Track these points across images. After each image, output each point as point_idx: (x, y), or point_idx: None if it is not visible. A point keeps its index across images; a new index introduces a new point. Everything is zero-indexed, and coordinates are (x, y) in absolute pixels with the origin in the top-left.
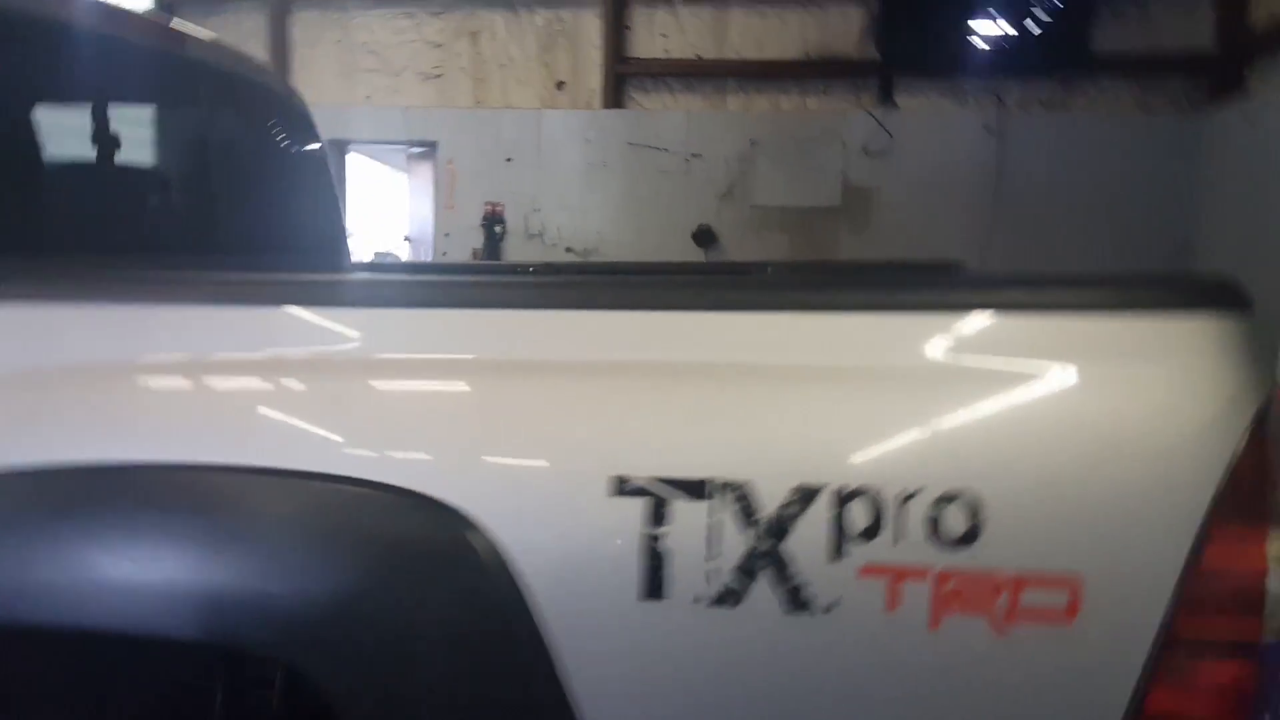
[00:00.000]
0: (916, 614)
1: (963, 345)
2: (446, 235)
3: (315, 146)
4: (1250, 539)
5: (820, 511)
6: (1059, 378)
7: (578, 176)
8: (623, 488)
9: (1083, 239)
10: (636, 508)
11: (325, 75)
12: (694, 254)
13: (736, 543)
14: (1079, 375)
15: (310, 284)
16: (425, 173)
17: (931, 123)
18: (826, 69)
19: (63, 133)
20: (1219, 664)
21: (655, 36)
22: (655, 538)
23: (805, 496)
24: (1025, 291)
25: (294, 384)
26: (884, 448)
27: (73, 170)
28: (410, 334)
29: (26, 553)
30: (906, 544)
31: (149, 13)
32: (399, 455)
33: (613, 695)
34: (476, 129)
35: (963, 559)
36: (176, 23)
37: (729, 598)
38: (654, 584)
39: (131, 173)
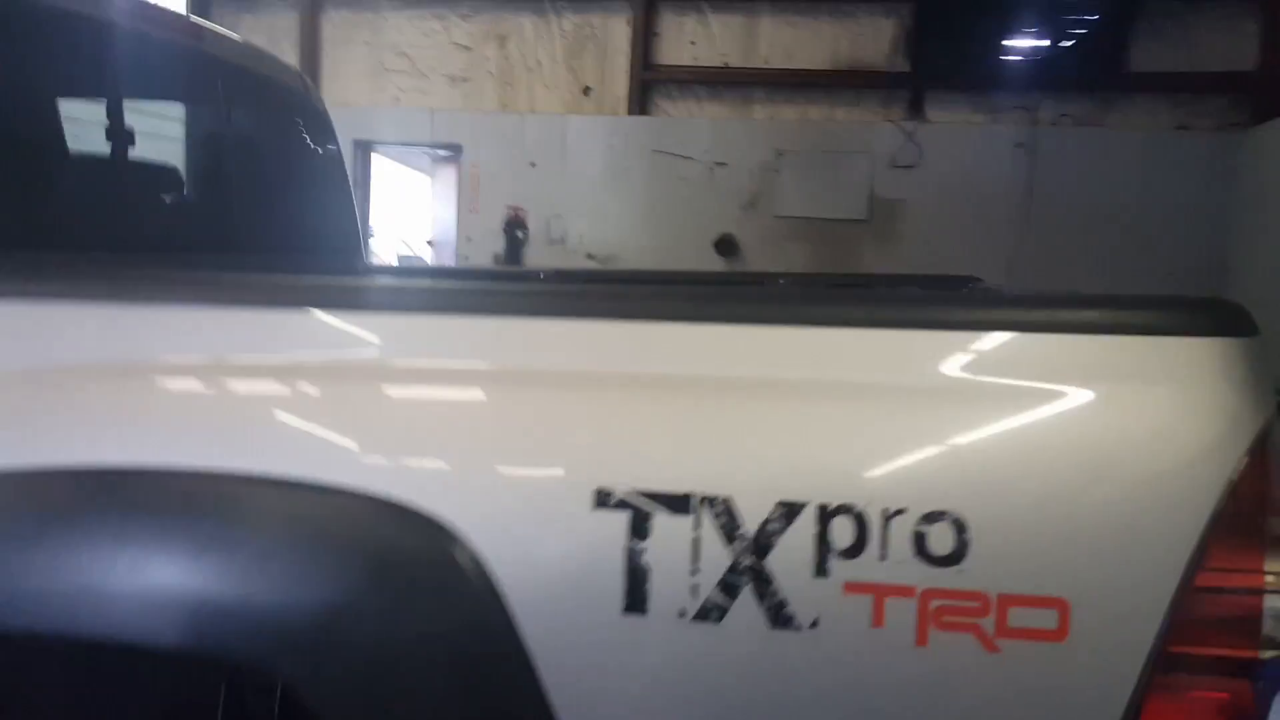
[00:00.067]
0: (903, 631)
1: (952, 363)
2: (469, 239)
3: (332, 146)
4: (1247, 559)
5: (804, 528)
6: (1054, 398)
7: (601, 183)
8: (606, 501)
9: (1113, 259)
10: (619, 521)
11: (354, 76)
12: (715, 263)
13: (719, 558)
14: (1075, 396)
15: (287, 289)
16: (449, 176)
17: (961, 137)
18: (856, 80)
19: (78, 127)
20: (1215, 683)
21: (684, 44)
22: (638, 552)
23: (788, 512)
24: (1020, 310)
25: (277, 392)
26: (868, 465)
27: (86, 165)
28: (392, 342)
29: (23, 557)
30: (891, 562)
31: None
32: (382, 466)
33: (596, 710)
34: (501, 133)
35: (948, 579)
36: (195, 17)
37: (712, 613)
38: (637, 598)
39: (146, 168)
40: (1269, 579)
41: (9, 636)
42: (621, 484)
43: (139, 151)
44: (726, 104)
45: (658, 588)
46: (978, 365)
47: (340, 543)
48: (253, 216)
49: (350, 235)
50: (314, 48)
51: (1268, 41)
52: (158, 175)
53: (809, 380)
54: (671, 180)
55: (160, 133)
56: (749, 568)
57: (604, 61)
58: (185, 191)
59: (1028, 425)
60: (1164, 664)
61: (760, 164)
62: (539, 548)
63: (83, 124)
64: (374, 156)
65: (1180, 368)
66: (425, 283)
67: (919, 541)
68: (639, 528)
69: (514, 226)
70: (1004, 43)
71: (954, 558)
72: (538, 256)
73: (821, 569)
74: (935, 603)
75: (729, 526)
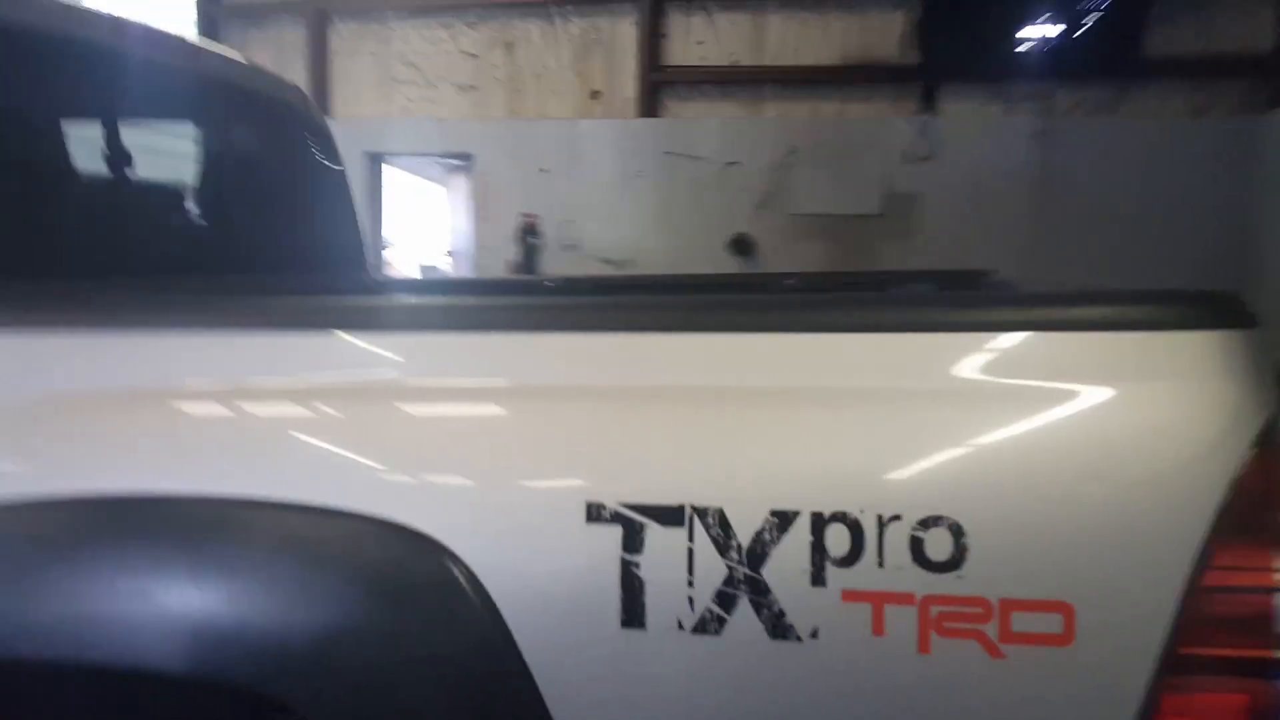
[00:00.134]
0: (904, 639)
1: (942, 365)
2: (483, 248)
3: (334, 162)
4: (1256, 556)
5: (798, 536)
6: (1049, 397)
7: (613, 186)
8: (598, 515)
9: (1133, 248)
10: (613, 535)
11: (363, 87)
12: (730, 263)
13: (715, 569)
14: (1071, 395)
15: (272, 310)
16: (462, 185)
17: (975, 128)
18: (867, 74)
19: (75, 149)
20: (1230, 684)
21: (691, 44)
22: (633, 565)
23: (781, 521)
24: (1010, 309)
25: (269, 417)
26: (861, 471)
27: (85, 188)
28: (381, 362)
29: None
30: (889, 569)
31: (190, 26)
32: (374, 487)
33: None
34: (511, 140)
35: (948, 584)
36: (191, 37)
37: (710, 625)
38: (634, 612)
39: (145, 190)
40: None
41: (21, 663)
42: (614, 497)
43: (138, 173)
44: (737, 103)
45: (654, 601)
46: (968, 367)
47: (335, 564)
48: (254, 235)
49: (354, 250)
50: (322, 61)
51: None
52: (156, 197)
53: (798, 387)
54: (684, 181)
55: (159, 154)
56: (745, 578)
57: (612, 64)
58: (185, 212)
59: (1023, 426)
60: (1175, 666)
61: (773, 162)
62: (534, 564)
63: (81, 147)
64: (387, 168)
65: (1180, 363)
66: (409, 300)
67: (916, 547)
68: (632, 541)
69: (528, 233)
70: (1016, 31)
71: (953, 563)
72: (552, 263)
73: (819, 578)
74: (936, 609)
75: (722, 537)
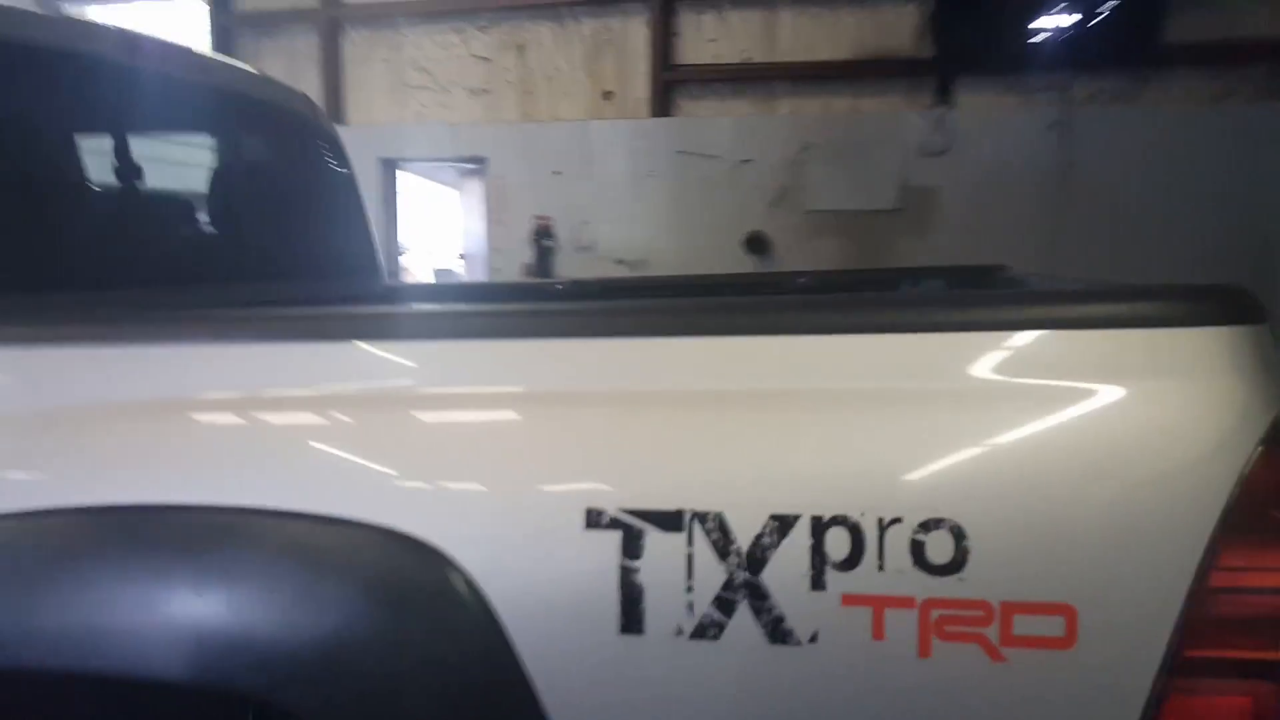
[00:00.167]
0: (904, 643)
1: (946, 365)
2: (498, 251)
3: (343, 169)
4: (1263, 556)
5: (798, 540)
6: (1052, 396)
7: (626, 187)
8: (597, 521)
9: (1156, 240)
10: (612, 541)
11: (376, 93)
12: (746, 262)
13: (714, 574)
14: (1075, 394)
15: (261, 320)
16: (476, 189)
17: (992, 120)
18: (881, 68)
19: (88, 162)
20: (1236, 686)
21: (703, 42)
22: (632, 571)
23: (781, 525)
24: (1011, 308)
25: (267, 426)
26: (861, 474)
27: (95, 200)
28: (378, 368)
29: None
30: (889, 573)
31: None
32: (374, 494)
33: None
34: (524, 143)
35: (949, 588)
36: (199, 48)
37: (709, 630)
38: (633, 618)
39: (155, 201)
40: None
41: (24, 673)
42: (612, 503)
43: (149, 185)
44: (749, 100)
45: (653, 606)
46: (968, 366)
47: (336, 572)
48: (265, 245)
49: (366, 257)
50: (336, 69)
51: None
52: (166, 208)
53: (797, 390)
54: (697, 180)
55: (170, 166)
56: (745, 583)
57: (624, 65)
58: (195, 223)
59: (1024, 426)
60: (1180, 668)
61: (787, 159)
62: (533, 571)
63: (93, 160)
64: (400, 173)
65: (1186, 360)
66: (407, 308)
67: (917, 550)
68: (631, 546)
69: (542, 236)
70: (1032, 21)
71: (954, 566)
72: (567, 264)
73: (818, 582)
74: (937, 613)
75: (722, 542)
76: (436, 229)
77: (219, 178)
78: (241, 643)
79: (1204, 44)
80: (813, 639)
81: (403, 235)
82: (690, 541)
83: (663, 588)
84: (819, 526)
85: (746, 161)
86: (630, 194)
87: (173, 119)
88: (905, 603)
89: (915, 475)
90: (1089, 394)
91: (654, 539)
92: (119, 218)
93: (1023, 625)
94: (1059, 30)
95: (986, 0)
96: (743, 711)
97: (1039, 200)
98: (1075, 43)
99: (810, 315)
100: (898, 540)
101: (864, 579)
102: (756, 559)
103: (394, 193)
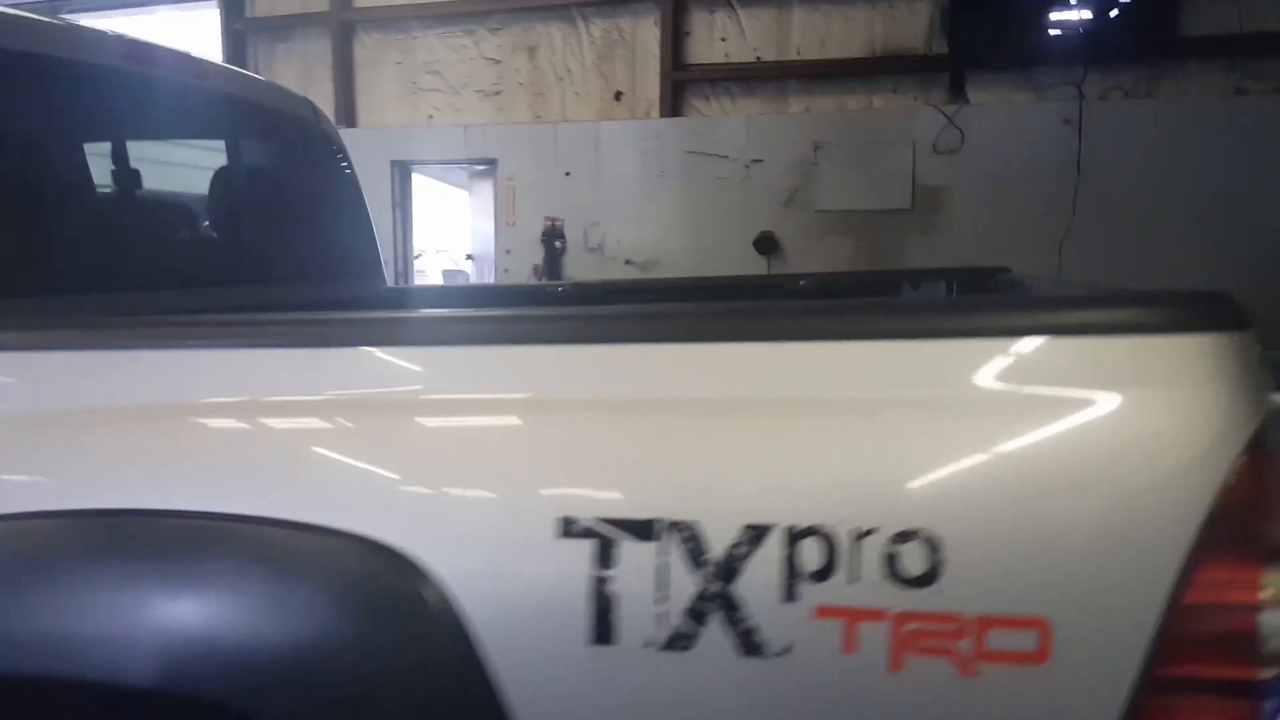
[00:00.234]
0: (875, 656)
1: (916, 374)
2: (508, 252)
3: (346, 173)
4: (1241, 572)
5: (772, 551)
6: (1028, 406)
7: (636, 187)
8: (570, 530)
9: (1173, 238)
10: (584, 550)
11: (388, 96)
12: (756, 262)
13: (686, 585)
14: (1052, 403)
15: (232, 325)
16: (486, 190)
17: (1006, 118)
18: (893, 65)
19: (92, 167)
20: (1211, 704)
21: (715, 41)
22: (604, 580)
23: (756, 535)
24: (986, 315)
25: (239, 432)
26: (836, 484)
27: (99, 206)
28: (351, 375)
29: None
30: (863, 584)
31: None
32: (346, 501)
33: None
34: (535, 144)
35: (922, 600)
36: (199, 53)
37: (680, 642)
38: (604, 628)
39: (158, 206)
40: (1266, 593)
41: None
42: (584, 511)
43: (150, 190)
44: (761, 99)
45: (624, 617)
46: (944, 376)
47: (306, 579)
48: (267, 248)
49: (368, 261)
50: (348, 72)
51: None
52: (169, 213)
53: (773, 398)
54: (708, 180)
55: (171, 171)
56: (717, 594)
57: (634, 65)
58: (198, 227)
59: (1001, 436)
60: (1154, 686)
61: (798, 158)
62: (505, 580)
63: (97, 165)
64: (413, 175)
65: (1165, 368)
66: (382, 313)
67: (890, 562)
68: (604, 556)
69: (552, 237)
70: (1046, 16)
71: (928, 578)
72: (577, 265)
73: (791, 593)
74: (909, 626)
75: (695, 552)
76: (446, 230)
77: (221, 182)
78: (210, 649)
79: (1219, 38)
80: (785, 651)
81: (416, 238)
82: (663, 551)
83: (635, 598)
84: (793, 537)
85: (757, 161)
86: (641, 194)
87: (175, 124)
88: (878, 615)
89: (890, 485)
90: (1066, 403)
91: (627, 548)
92: (116, 221)
93: (996, 639)
94: (1072, 26)
95: None
96: None
97: (1052, 198)
98: (1088, 38)
99: (784, 322)
100: (872, 551)
101: (838, 590)
102: (729, 570)
103: (408, 196)
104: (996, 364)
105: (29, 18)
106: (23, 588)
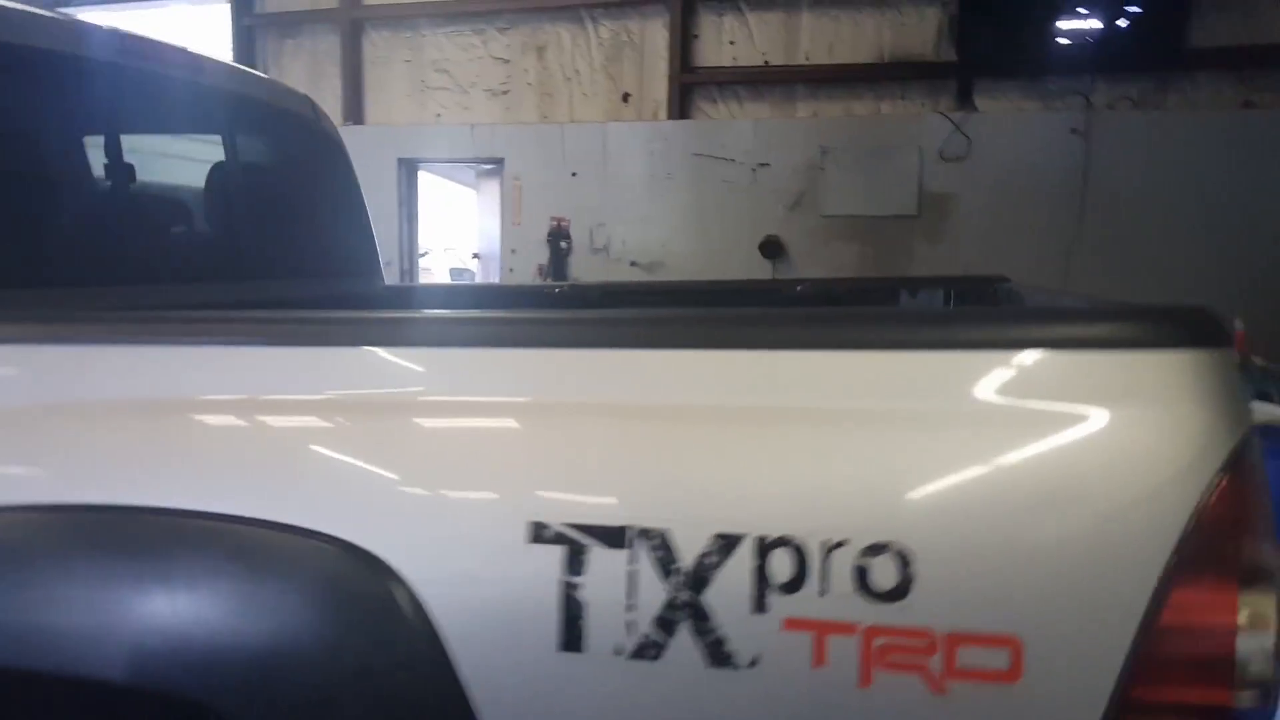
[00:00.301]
0: (844, 670)
1: (891, 386)
2: (514, 251)
3: (345, 170)
4: (1218, 593)
5: (742, 561)
6: (1003, 420)
7: (643, 189)
8: (541, 535)
9: (1179, 248)
10: (555, 556)
11: (396, 94)
12: (761, 266)
13: (656, 593)
14: (1027, 418)
15: (196, 322)
16: (493, 189)
17: (1013, 125)
18: (901, 72)
19: (86, 161)
20: None
21: (723, 44)
22: (573, 587)
23: (726, 545)
24: (962, 328)
25: (210, 430)
26: (807, 495)
27: (98, 201)
28: (323, 374)
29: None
30: (832, 597)
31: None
32: (317, 502)
33: None
34: (542, 144)
35: (892, 615)
36: (197, 49)
37: (649, 650)
38: (573, 635)
39: (155, 202)
40: (1243, 615)
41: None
42: (555, 517)
43: (148, 186)
44: (768, 103)
45: (593, 624)
46: (920, 388)
47: (276, 579)
48: (263, 244)
49: (366, 259)
50: (357, 69)
51: None
52: (166, 209)
53: (747, 407)
54: (714, 183)
55: (169, 166)
56: (686, 603)
57: (642, 67)
58: (196, 223)
59: (976, 450)
60: (1128, 709)
61: (805, 163)
62: (475, 584)
63: (94, 159)
64: (420, 173)
65: (1143, 385)
66: (359, 314)
67: (861, 575)
68: (574, 562)
69: (557, 237)
70: (1054, 25)
71: (898, 592)
72: (582, 266)
73: (761, 604)
74: (879, 641)
75: (665, 560)
76: (454, 228)
77: (218, 177)
78: (186, 647)
79: (1228, 49)
80: (753, 663)
81: (422, 236)
82: (634, 559)
83: (604, 605)
84: (764, 547)
85: (764, 165)
86: (647, 196)
87: (172, 119)
88: (848, 629)
89: (862, 497)
90: (1039, 418)
91: (597, 555)
92: (111, 216)
93: (967, 657)
94: (1081, 35)
95: (1008, 4)
96: None
97: (1058, 206)
98: (1097, 48)
99: (764, 330)
100: (842, 564)
101: (807, 603)
102: (699, 579)
103: (415, 194)
104: (974, 378)
105: (25, 10)
106: (3, 580)
